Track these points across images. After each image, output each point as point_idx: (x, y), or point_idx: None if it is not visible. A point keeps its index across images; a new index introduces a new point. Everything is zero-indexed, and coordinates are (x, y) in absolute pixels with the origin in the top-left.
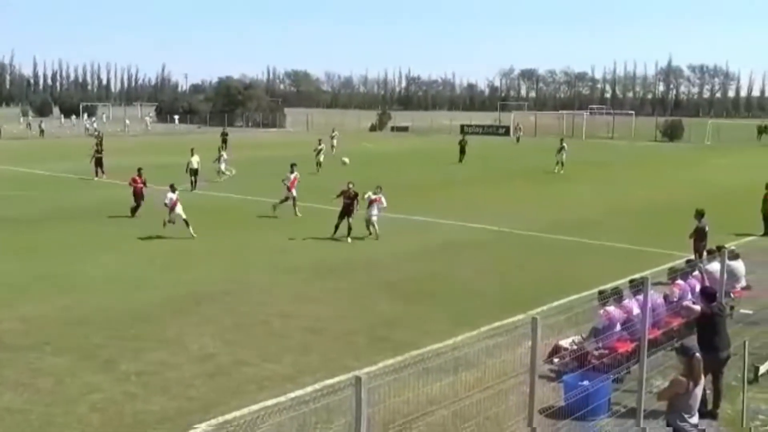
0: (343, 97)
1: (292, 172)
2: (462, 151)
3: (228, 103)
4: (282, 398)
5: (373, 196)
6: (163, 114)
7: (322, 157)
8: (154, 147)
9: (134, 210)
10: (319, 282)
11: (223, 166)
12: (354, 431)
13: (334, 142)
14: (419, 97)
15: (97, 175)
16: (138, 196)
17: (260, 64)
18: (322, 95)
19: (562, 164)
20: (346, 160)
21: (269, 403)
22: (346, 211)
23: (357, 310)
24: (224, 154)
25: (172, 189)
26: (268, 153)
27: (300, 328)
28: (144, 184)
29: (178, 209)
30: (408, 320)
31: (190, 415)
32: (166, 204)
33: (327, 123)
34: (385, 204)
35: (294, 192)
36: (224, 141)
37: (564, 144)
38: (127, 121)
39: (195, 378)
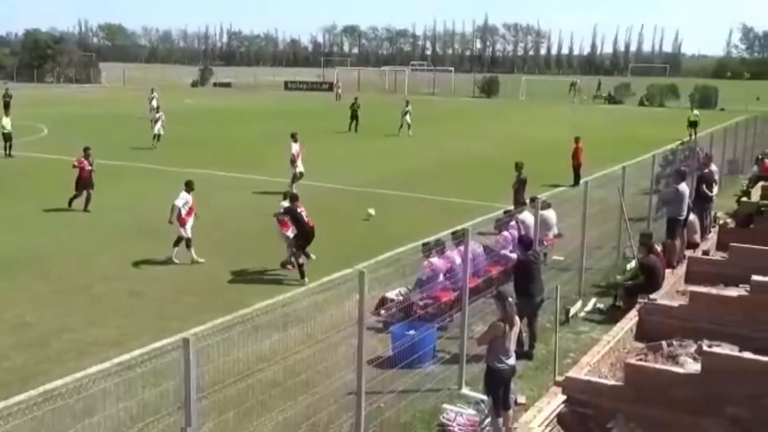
0: (161, 51)
1: (295, 141)
2: (354, 118)
3: (36, 58)
4: (107, 364)
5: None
6: None
7: (160, 128)
8: None
9: (74, 199)
10: (144, 243)
11: None
12: (183, 393)
13: (154, 103)
14: (242, 52)
15: None
16: (84, 182)
17: (71, 17)
18: (140, 50)
19: (409, 126)
20: (372, 212)
21: (93, 369)
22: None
23: (183, 271)
24: None
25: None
26: (83, 110)
27: (125, 291)
28: (91, 165)
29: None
30: (236, 279)
31: (7, 387)
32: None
33: (145, 78)
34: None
35: (298, 167)
36: (6, 105)
37: (409, 107)
38: None
39: (10, 348)
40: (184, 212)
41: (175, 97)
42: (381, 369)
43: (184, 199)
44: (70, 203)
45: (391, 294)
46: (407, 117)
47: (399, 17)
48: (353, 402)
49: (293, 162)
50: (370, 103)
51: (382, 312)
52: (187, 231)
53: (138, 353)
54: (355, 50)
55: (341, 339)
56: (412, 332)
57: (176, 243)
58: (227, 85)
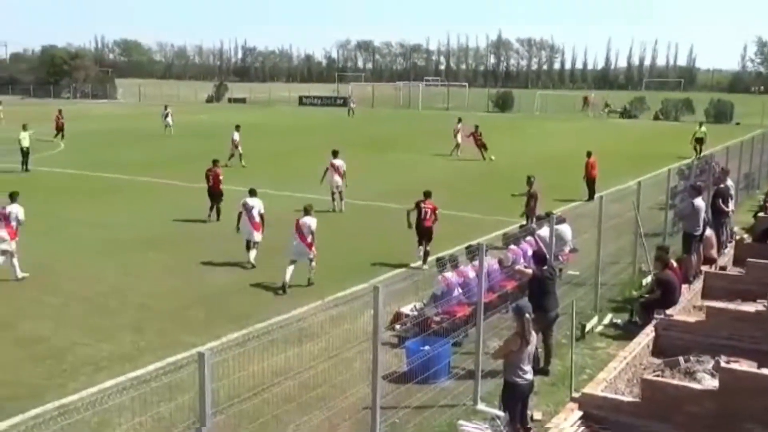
0: (177, 67)
1: (335, 157)
2: (482, 146)
3: (53, 74)
4: (122, 378)
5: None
6: None
7: (241, 149)
8: None
9: (215, 210)
10: (152, 256)
11: None
12: (198, 407)
13: (169, 120)
14: (256, 68)
15: None
16: (217, 193)
17: (87, 33)
18: (155, 65)
19: (458, 145)
20: (493, 157)
21: (108, 384)
22: (422, 233)
23: (193, 284)
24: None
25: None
26: (99, 125)
27: (134, 304)
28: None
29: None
30: (246, 293)
31: (22, 401)
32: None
33: (161, 94)
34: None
35: (339, 182)
36: (61, 127)
37: (460, 125)
38: None
39: (25, 361)
40: (258, 218)
41: (190, 113)
42: (396, 384)
43: (261, 204)
44: (212, 215)
45: (406, 309)
46: (459, 137)
47: (413, 32)
48: (368, 417)
49: (342, 178)
50: (383, 118)
51: (397, 327)
52: (259, 236)
53: (153, 368)
54: (369, 65)
55: (356, 354)
56: (426, 347)
57: (253, 246)
58: (242, 100)
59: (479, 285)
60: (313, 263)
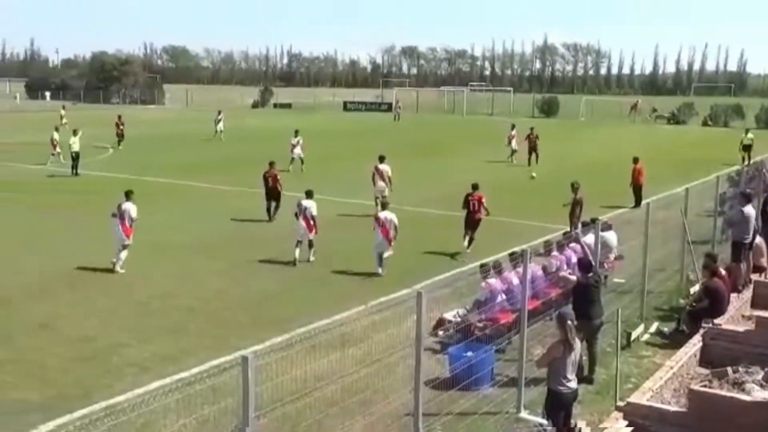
0: (223, 73)
1: (382, 162)
2: (533, 151)
3: (103, 79)
4: (167, 380)
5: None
6: (34, 90)
7: (299, 152)
8: (25, 124)
9: (276, 209)
10: (199, 260)
11: None
12: (242, 410)
13: (220, 126)
14: (301, 73)
15: None
16: (274, 193)
17: (136, 40)
18: (202, 71)
19: (514, 151)
20: (534, 174)
21: (153, 385)
22: (470, 224)
23: (238, 288)
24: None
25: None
26: (147, 130)
27: (181, 307)
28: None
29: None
30: (291, 297)
31: (71, 401)
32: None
33: (208, 100)
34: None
35: (383, 187)
36: (121, 134)
37: (514, 131)
38: None
39: (72, 362)
40: (310, 219)
41: (237, 117)
42: (438, 390)
43: (315, 206)
44: (272, 216)
45: (449, 315)
46: (513, 143)
47: (457, 38)
48: (410, 423)
49: (388, 182)
50: (428, 124)
51: (440, 333)
52: (311, 236)
53: (197, 370)
54: (414, 71)
55: (399, 359)
56: (469, 354)
57: (310, 246)
58: (287, 105)
59: (523, 292)
60: (386, 254)
